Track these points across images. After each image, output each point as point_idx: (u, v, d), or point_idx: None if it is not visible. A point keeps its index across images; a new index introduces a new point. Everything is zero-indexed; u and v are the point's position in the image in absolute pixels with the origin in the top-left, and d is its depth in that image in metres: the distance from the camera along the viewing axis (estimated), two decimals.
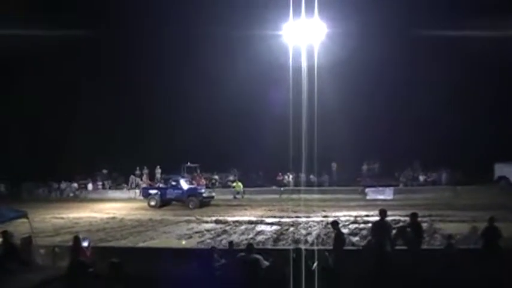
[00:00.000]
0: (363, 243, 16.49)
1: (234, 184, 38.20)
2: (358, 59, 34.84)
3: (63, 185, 42.89)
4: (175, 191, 33.30)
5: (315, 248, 14.10)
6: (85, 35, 35.70)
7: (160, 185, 34.98)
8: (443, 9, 32.94)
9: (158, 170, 40.69)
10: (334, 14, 29.47)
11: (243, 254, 11.74)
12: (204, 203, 32.61)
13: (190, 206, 31.87)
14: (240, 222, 24.20)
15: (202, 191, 33.74)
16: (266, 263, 11.41)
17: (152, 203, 33.22)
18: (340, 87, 33.21)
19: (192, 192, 33.08)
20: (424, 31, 31.84)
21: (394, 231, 13.17)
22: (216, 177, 41.57)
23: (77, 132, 40.15)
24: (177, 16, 36.72)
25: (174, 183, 33.68)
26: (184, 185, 33.69)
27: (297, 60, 25.94)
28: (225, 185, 40.57)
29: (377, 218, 13.22)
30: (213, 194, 34.81)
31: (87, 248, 13.66)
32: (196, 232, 21.97)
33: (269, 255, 11.92)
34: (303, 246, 13.37)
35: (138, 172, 41.90)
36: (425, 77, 35.74)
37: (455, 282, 11.50)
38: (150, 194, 33.99)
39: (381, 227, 12.73)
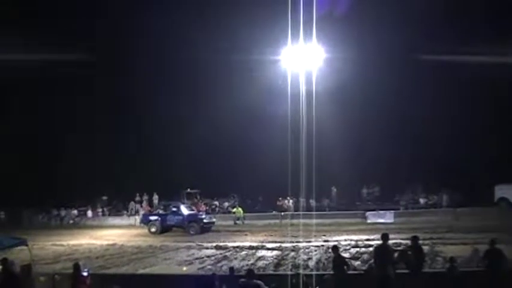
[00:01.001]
0: (365, 267, 16.41)
1: (235, 210, 38.09)
2: (356, 84, 35.11)
3: (62, 212, 42.71)
4: (176, 217, 33.11)
5: (314, 272, 14.08)
6: (84, 58, 35.82)
7: (160, 212, 34.85)
8: (442, 34, 33.26)
9: (155, 197, 40.67)
10: (332, 39, 29.78)
11: (243, 279, 11.69)
12: (205, 228, 32.42)
13: (191, 232, 31.70)
14: (241, 248, 24.07)
15: (203, 216, 33.59)
16: None
17: (153, 230, 33.03)
18: (338, 111, 33.41)
19: (192, 218, 32.95)
20: (422, 56, 32.13)
21: (395, 255, 13.15)
22: (216, 203, 41.49)
23: (76, 159, 40.24)
24: (174, 42, 37.04)
25: (174, 209, 33.50)
26: (185, 211, 33.56)
27: (295, 84, 26.09)
28: (225, 211, 40.48)
29: (378, 242, 13.20)
30: (214, 219, 34.58)
31: (86, 277, 13.62)
32: (197, 258, 21.85)
33: (270, 281, 11.88)
34: (302, 271, 13.32)
35: (138, 198, 41.85)
36: (424, 101, 35.91)
37: None
38: (150, 221, 33.80)
39: (383, 251, 12.70)
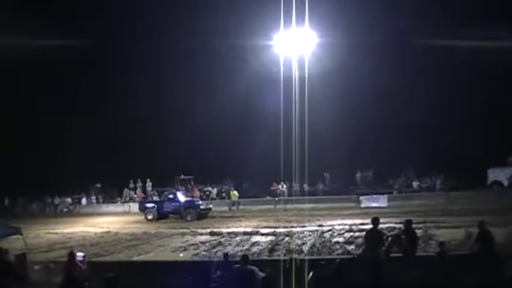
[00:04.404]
0: (359, 251, 16.47)
1: (230, 193, 38.16)
2: (349, 68, 35.03)
3: (57, 200, 42.73)
4: (173, 204, 33.09)
5: (310, 257, 14.12)
6: (79, 47, 35.72)
7: (155, 198, 34.86)
8: (435, 18, 33.20)
9: (149, 183, 40.65)
10: (324, 24, 29.66)
11: (238, 265, 11.71)
12: (202, 215, 32.41)
13: (188, 219, 31.63)
14: (235, 234, 24.07)
15: (200, 203, 33.61)
16: (261, 274, 11.38)
17: (149, 217, 33.00)
18: (331, 96, 33.39)
19: (189, 205, 32.93)
20: (414, 40, 32.08)
21: (389, 239, 13.19)
22: (210, 188, 41.48)
23: (70, 146, 40.08)
24: (168, 27, 36.84)
25: (171, 196, 33.53)
26: (182, 197, 33.57)
27: (288, 69, 26.02)
28: (220, 197, 40.54)
29: (371, 226, 13.24)
30: (210, 206, 34.59)
31: (82, 261, 13.47)
32: (191, 244, 21.85)
33: (264, 266, 11.89)
34: (296, 256, 13.35)
35: (131, 185, 41.84)
36: (416, 84, 35.92)
37: None
38: (147, 208, 33.85)
39: (373, 235, 12.74)
